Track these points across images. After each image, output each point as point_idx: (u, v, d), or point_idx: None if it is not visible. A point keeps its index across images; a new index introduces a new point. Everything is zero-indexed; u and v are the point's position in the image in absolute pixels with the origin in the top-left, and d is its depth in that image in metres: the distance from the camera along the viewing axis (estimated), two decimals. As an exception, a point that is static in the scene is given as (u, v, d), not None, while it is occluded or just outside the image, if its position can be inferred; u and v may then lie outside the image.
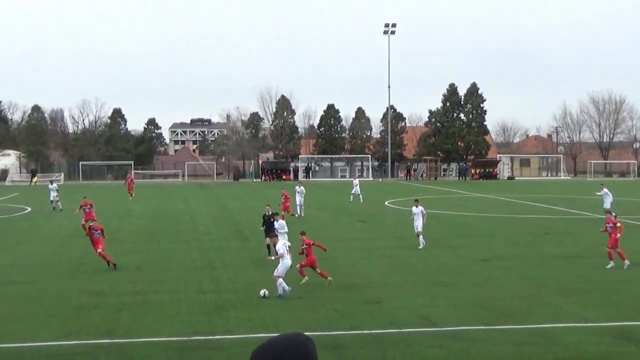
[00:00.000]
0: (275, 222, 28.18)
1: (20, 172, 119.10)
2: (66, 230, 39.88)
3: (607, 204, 44.70)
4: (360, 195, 59.56)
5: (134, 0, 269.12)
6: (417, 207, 32.60)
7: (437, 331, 17.94)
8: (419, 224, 32.09)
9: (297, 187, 48.93)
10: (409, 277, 25.19)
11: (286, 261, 21.71)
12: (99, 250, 26.24)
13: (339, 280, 24.38)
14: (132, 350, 16.48)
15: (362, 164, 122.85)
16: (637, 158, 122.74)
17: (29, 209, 53.86)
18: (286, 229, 28.24)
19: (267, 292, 21.40)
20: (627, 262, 26.60)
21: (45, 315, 19.71)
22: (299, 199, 47.62)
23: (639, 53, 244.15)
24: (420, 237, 31.96)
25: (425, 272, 26.36)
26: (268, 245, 28.42)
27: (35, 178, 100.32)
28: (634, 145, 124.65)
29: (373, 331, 17.89)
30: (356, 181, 62.93)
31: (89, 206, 39.06)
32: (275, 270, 21.59)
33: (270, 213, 30.08)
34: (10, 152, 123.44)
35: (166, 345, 16.80)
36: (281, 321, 18.91)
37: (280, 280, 21.42)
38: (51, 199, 52.71)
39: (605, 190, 46.62)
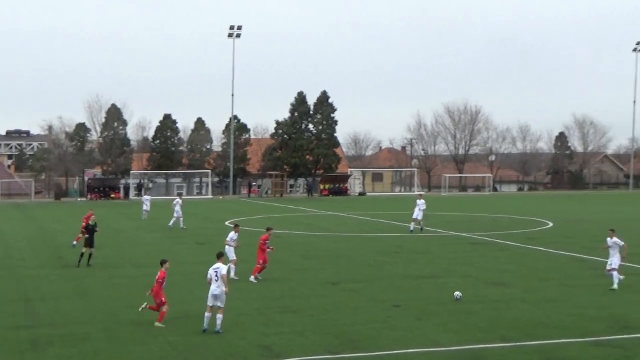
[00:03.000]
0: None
1: None
2: None
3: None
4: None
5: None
6: (612, 238, 28.66)
7: (280, 363, 18.05)
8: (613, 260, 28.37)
9: (177, 200, 54.50)
10: (252, 304, 25.22)
11: None
12: None
13: (174, 309, 24.07)
14: None
15: (201, 180, 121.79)
16: (492, 171, 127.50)
17: None
18: None
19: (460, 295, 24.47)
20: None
21: None
22: (177, 212, 52.77)
23: (492, 59, 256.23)
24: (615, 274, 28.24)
25: (270, 297, 26.47)
26: (82, 254, 33.97)
27: None
28: (490, 158, 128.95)
29: (210, 365, 17.77)
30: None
31: None
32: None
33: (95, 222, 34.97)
34: None
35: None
36: (104, 357, 18.51)
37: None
38: None
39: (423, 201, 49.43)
